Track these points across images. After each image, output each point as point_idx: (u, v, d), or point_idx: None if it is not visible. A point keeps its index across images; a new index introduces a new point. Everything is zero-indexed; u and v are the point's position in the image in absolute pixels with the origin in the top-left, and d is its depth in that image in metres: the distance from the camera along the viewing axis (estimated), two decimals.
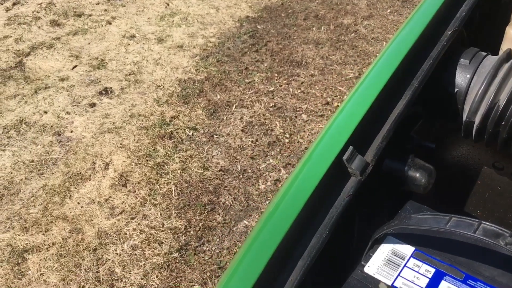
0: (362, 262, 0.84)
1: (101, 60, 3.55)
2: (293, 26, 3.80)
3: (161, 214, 2.40)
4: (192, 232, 2.32)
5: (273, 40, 3.64)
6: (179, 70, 3.40)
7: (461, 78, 1.18)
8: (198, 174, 2.59)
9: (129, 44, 3.71)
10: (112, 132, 2.90)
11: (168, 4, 4.21)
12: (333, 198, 0.88)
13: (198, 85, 3.24)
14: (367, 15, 3.89)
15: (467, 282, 0.78)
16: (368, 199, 1.00)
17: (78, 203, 2.49)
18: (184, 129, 2.88)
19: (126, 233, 2.33)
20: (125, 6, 4.22)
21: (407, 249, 0.84)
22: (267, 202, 2.45)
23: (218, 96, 3.13)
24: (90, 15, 4.10)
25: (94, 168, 2.67)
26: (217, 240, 2.29)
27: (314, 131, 2.84)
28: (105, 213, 2.43)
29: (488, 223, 0.73)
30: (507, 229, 0.72)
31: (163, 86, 3.25)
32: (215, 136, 2.84)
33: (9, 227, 2.41)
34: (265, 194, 2.49)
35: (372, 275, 0.82)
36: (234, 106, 3.04)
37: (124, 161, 2.68)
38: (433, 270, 0.81)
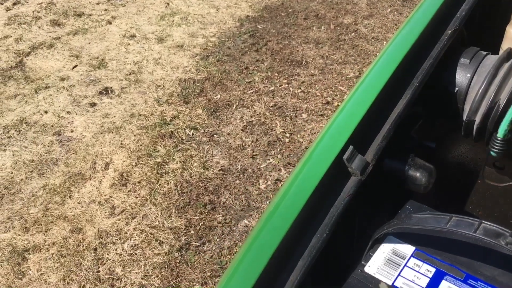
0: (363, 262, 0.84)
1: (101, 60, 3.55)
2: (293, 25, 3.80)
3: (161, 213, 2.40)
4: (192, 232, 2.32)
5: (273, 39, 3.64)
6: (180, 70, 3.40)
7: (461, 77, 1.17)
8: (199, 174, 2.59)
9: (129, 44, 3.71)
10: (112, 132, 2.90)
11: (168, 4, 4.20)
12: (333, 198, 0.88)
13: (199, 84, 3.24)
14: (367, 15, 3.89)
15: (468, 281, 0.78)
16: (368, 198, 1.00)
17: (79, 203, 2.49)
18: (185, 129, 2.88)
19: (126, 233, 2.33)
20: (125, 5, 4.22)
21: (408, 249, 0.84)
22: (267, 202, 2.45)
23: (219, 96, 3.13)
24: (90, 15, 4.10)
25: (95, 167, 2.67)
26: (218, 239, 2.29)
27: (314, 130, 2.84)
28: (105, 212, 2.43)
29: (488, 223, 0.73)
30: (507, 228, 0.72)
31: (164, 86, 3.25)
32: (215, 135, 2.84)
33: (9, 226, 2.41)
34: (266, 193, 2.49)
35: (372, 275, 0.82)
36: (235, 106, 3.04)
37: (124, 161, 2.68)
38: (433, 269, 0.81)
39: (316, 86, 3.18)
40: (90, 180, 2.61)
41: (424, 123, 1.16)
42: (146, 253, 2.24)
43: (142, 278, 2.15)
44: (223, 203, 2.44)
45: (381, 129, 0.99)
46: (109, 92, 3.24)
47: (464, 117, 1.17)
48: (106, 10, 4.17)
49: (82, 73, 3.43)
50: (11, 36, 3.88)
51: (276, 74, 3.29)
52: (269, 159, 2.67)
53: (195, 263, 2.20)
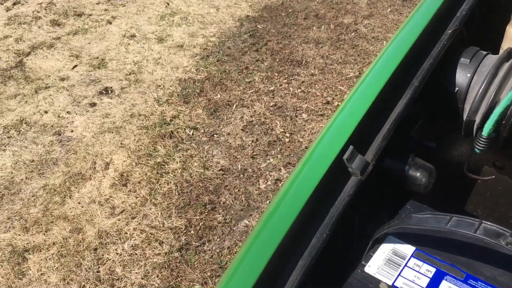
0: (363, 262, 0.84)
1: (101, 60, 3.55)
2: (293, 25, 3.80)
3: (161, 213, 2.40)
4: (192, 232, 2.32)
5: (273, 39, 3.64)
6: (180, 70, 3.40)
7: (461, 77, 1.17)
8: (199, 174, 2.59)
9: (129, 44, 3.71)
10: (112, 132, 2.90)
11: (168, 4, 4.20)
12: (333, 198, 0.88)
13: (199, 84, 3.24)
14: (367, 14, 3.89)
15: (468, 281, 0.78)
16: (368, 198, 1.00)
17: (79, 203, 2.49)
18: (185, 129, 2.88)
19: (126, 233, 2.33)
20: (125, 5, 4.22)
21: (408, 249, 0.84)
22: (267, 202, 2.45)
23: (219, 96, 3.13)
24: (90, 15, 4.10)
25: (95, 167, 2.67)
26: (218, 239, 2.29)
27: (314, 130, 2.84)
28: (105, 212, 2.43)
29: (489, 223, 0.73)
30: (508, 228, 0.72)
31: (164, 86, 3.25)
32: (215, 135, 2.84)
33: (9, 227, 2.41)
34: (266, 193, 2.49)
35: (372, 275, 0.82)
36: (235, 106, 3.04)
37: (124, 161, 2.68)
38: (433, 269, 0.81)
39: (316, 86, 3.18)
40: (90, 180, 2.60)
41: (424, 123, 1.16)
42: (146, 253, 2.24)
43: (142, 278, 2.15)
44: (223, 203, 2.44)
45: (381, 129, 0.99)
46: (109, 92, 3.24)
47: (464, 117, 1.17)
48: (106, 10, 4.17)
49: (82, 73, 3.43)
50: (11, 36, 3.88)
51: (276, 74, 3.29)
52: (269, 159, 2.67)
53: (195, 263, 2.20)
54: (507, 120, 1.09)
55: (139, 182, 2.56)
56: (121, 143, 2.81)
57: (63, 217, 2.43)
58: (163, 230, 2.33)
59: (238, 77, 3.28)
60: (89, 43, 3.76)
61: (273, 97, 3.09)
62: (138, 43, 3.72)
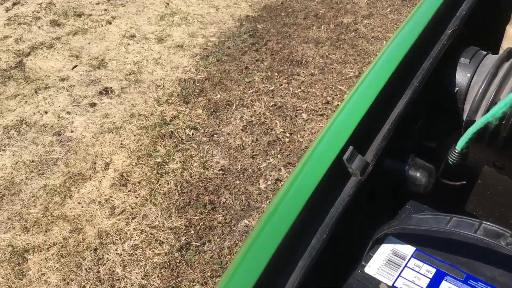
0: (363, 263, 0.84)
1: (101, 60, 3.55)
2: (293, 25, 3.80)
3: (161, 213, 2.40)
4: (192, 232, 2.32)
5: (273, 39, 3.64)
6: (179, 70, 3.39)
7: (461, 77, 1.17)
8: (199, 174, 2.59)
9: (129, 44, 3.71)
10: (112, 132, 2.90)
11: (168, 4, 4.20)
12: (333, 198, 0.88)
13: (198, 84, 3.24)
14: (367, 14, 3.89)
15: (468, 282, 0.78)
16: (368, 199, 1.00)
17: (79, 203, 2.49)
18: (185, 129, 2.88)
19: (126, 233, 2.33)
20: (125, 5, 4.22)
21: (408, 249, 0.84)
22: (267, 202, 2.45)
23: (218, 96, 3.12)
24: (90, 15, 4.10)
25: (95, 168, 2.67)
26: (218, 239, 2.29)
27: (314, 130, 2.84)
28: (105, 213, 2.43)
29: (489, 223, 0.73)
30: (508, 228, 0.72)
31: (163, 86, 3.25)
32: (215, 135, 2.84)
33: (9, 227, 2.41)
34: (266, 193, 2.49)
35: (372, 276, 0.82)
36: (234, 106, 3.04)
37: (124, 161, 2.68)
38: (434, 270, 0.81)
39: (316, 85, 3.18)
40: (90, 180, 2.60)
41: (424, 123, 1.16)
42: (146, 253, 2.24)
43: (142, 278, 2.15)
44: (223, 203, 2.44)
45: (381, 129, 0.99)
46: (109, 92, 3.24)
47: (464, 117, 1.17)
48: (105, 10, 4.17)
49: (82, 73, 3.43)
50: (11, 37, 3.88)
51: (276, 74, 3.29)
52: (269, 159, 2.67)
53: (195, 263, 2.19)
54: (507, 120, 1.09)
55: (139, 182, 2.56)
56: (121, 143, 2.81)
57: (63, 217, 2.43)
58: (163, 230, 2.33)
59: (238, 77, 3.28)
60: (89, 43, 3.76)
61: (273, 97, 3.09)
62: (138, 43, 3.72)
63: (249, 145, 2.76)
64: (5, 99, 3.23)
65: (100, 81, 3.34)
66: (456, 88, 1.17)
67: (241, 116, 2.96)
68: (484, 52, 1.21)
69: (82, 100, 3.18)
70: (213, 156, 2.70)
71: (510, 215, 1.19)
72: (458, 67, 1.18)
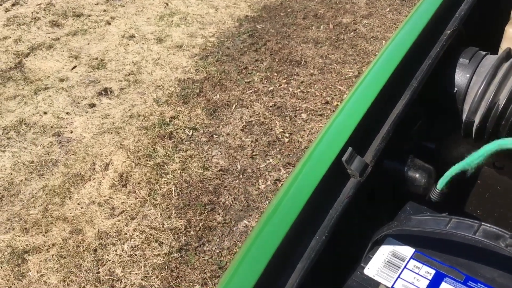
0: (362, 264, 0.84)
1: (100, 61, 3.55)
2: (292, 25, 3.80)
3: (161, 214, 2.40)
4: (192, 232, 2.32)
5: (272, 39, 3.63)
6: (179, 70, 3.39)
7: (460, 77, 1.17)
8: (198, 174, 2.59)
9: (128, 44, 3.71)
10: (111, 133, 2.90)
11: (167, 4, 4.20)
12: (332, 200, 0.88)
13: (198, 85, 3.24)
14: (366, 14, 3.89)
15: (468, 283, 0.78)
16: (367, 200, 1.00)
17: (78, 204, 2.49)
18: (184, 129, 2.88)
19: (126, 234, 2.33)
20: (124, 6, 4.22)
21: (407, 251, 0.84)
22: (267, 202, 2.44)
23: (218, 96, 3.12)
24: (89, 16, 4.10)
25: (94, 168, 2.67)
26: (217, 240, 2.28)
27: (313, 130, 2.84)
28: (105, 213, 2.43)
29: (488, 225, 0.73)
30: (507, 229, 0.72)
31: (163, 86, 3.25)
32: (214, 136, 2.84)
33: (9, 228, 2.41)
34: (265, 193, 2.48)
35: (372, 277, 0.82)
36: (234, 106, 3.04)
37: (124, 162, 2.68)
38: (433, 271, 0.80)
39: (316, 85, 3.18)
40: (89, 181, 2.60)
41: (424, 123, 1.16)
42: (146, 254, 2.24)
43: (142, 279, 2.15)
44: (223, 203, 2.44)
45: (380, 130, 0.99)
46: (109, 92, 3.24)
47: (464, 118, 1.17)
48: (105, 10, 4.16)
49: (82, 73, 3.43)
50: (10, 37, 3.88)
51: (275, 74, 3.29)
52: (268, 159, 2.67)
53: (195, 263, 2.19)
54: (506, 120, 1.09)
55: (138, 183, 2.56)
56: (120, 144, 2.81)
57: (62, 218, 2.43)
58: (162, 231, 2.32)
59: (237, 77, 3.28)
60: (88, 43, 3.75)
61: (272, 97, 3.09)
62: (137, 43, 3.71)
63: (248, 146, 2.75)
64: (5, 99, 3.23)
65: (99, 82, 3.34)
66: (455, 89, 1.17)
67: (241, 116, 2.96)
68: (483, 53, 1.21)
69: (82, 100, 3.18)
70: (212, 157, 2.70)
71: (509, 215, 1.19)
72: (457, 68, 1.18)
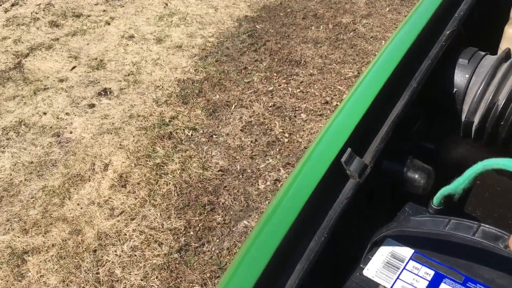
0: (361, 265, 0.84)
1: (100, 61, 3.55)
2: (292, 25, 3.80)
3: (160, 214, 2.40)
4: (191, 233, 2.32)
5: (272, 39, 3.63)
6: (178, 70, 3.39)
7: (460, 78, 1.17)
8: (198, 175, 2.59)
9: (128, 45, 3.71)
10: (111, 133, 2.90)
11: (166, 4, 4.20)
12: (332, 201, 0.88)
13: (197, 85, 3.24)
14: (365, 14, 3.88)
15: (467, 284, 0.78)
16: (366, 201, 1.00)
17: (78, 204, 2.49)
18: (184, 129, 2.88)
19: (125, 234, 2.33)
20: (123, 6, 4.21)
21: (406, 252, 0.84)
22: (266, 202, 2.44)
23: (217, 96, 3.12)
24: (88, 16, 4.10)
25: (94, 169, 2.67)
26: (217, 240, 2.28)
27: (313, 130, 2.84)
28: (104, 214, 2.43)
29: (487, 226, 0.73)
30: (507, 229, 0.72)
31: (162, 87, 3.24)
32: (214, 136, 2.84)
33: (8, 228, 2.40)
34: (265, 194, 2.48)
35: (371, 278, 0.82)
36: (233, 106, 3.04)
37: (123, 162, 2.68)
38: (432, 272, 0.80)
39: (315, 85, 3.18)
40: (89, 181, 2.60)
41: (423, 124, 1.15)
42: (146, 255, 2.24)
43: (141, 280, 2.15)
44: (222, 203, 2.44)
45: (379, 131, 0.99)
46: (108, 93, 3.23)
47: (463, 118, 1.17)
48: (104, 11, 4.16)
49: (81, 74, 3.43)
50: (10, 38, 3.88)
51: (275, 74, 3.29)
52: (268, 159, 2.67)
53: (195, 264, 2.19)
54: (505, 120, 1.09)
55: (138, 183, 2.56)
56: (120, 144, 2.80)
57: (62, 218, 2.42)
58: (162, 231, 2.32)
59: (237, 77, 3.28)
60: (88, 44, 3.75)
61: (272, 97, 3.09)
62: (136, 43, 3.71)
63: (248, 146, 2.75)
64: (4, 100, 3.23)
65: (99, 82, 3.33)
66: (455, 89, 1.17)
67: (240, 116, 2.96)
68: (483, 53, 1.21)
69: (81, 101, 3.18)
70: (212, 157, 2.70)
71: (509, 215, 1.19)
72: (457, 68, 1.18)
